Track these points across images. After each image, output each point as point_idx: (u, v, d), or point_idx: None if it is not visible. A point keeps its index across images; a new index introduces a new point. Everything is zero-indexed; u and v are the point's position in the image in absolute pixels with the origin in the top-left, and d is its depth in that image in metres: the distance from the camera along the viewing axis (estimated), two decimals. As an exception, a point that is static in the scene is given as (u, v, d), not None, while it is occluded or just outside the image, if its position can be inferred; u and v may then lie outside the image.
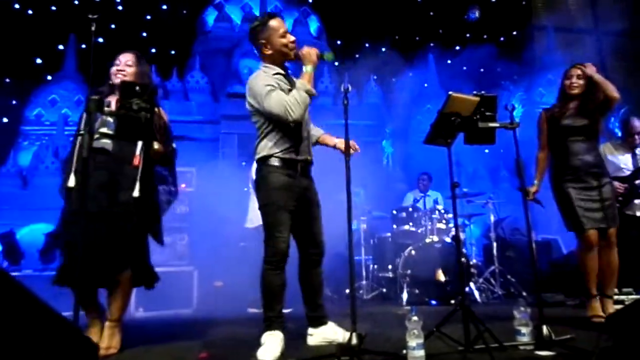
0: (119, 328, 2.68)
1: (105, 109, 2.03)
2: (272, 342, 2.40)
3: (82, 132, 1.96)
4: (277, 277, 2.50)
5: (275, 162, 2.52)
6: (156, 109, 2.29)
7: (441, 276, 4.86)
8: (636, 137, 4.15)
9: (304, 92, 2.45)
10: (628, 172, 4.11)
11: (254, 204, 5.04)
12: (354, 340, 2.04)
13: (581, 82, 3.32)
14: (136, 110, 2.07)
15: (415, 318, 2.14)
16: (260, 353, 2.33)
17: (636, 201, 4.07)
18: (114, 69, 2.67)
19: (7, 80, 8.02)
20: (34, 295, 1.29)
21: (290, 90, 2.52)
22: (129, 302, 2.78)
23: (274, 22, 2.58)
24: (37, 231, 6.35)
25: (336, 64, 8.78)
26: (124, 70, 2.64)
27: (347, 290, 5.40)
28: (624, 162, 4.17)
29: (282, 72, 2.62)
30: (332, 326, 2.72)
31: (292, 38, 2.62)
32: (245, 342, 2.82)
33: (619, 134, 4.44)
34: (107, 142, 2.29)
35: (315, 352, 2.40)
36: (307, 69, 2.52)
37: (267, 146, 2.53)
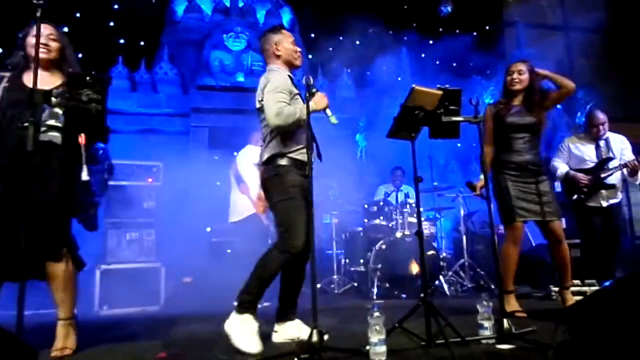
0: (73, 326, 2.56)
1: (53, 99, 1.92)
2: (248, 331, 2.46)
3: (26, 124, 1.85)
4: (280, 268, 2.59)
5: (288, 161, 2.64)
6: None
7: (415, 269, 4.87)
8: (600, 127, 4.25)
9: (303, 115, 2.51)
10: (592, 164, 4.20)
11: (236, 197, 4.97)
12: (315, 338, 2.01)
13: (522, 77, 3.36)
14: (86, 102, 1.96)
15: (377, 314, 2.12)
16: (241, 344, 2.42)
17: (602, 192, 4.16)
18: (33, 41, 2.40)
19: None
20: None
21: (297, 93, 2.74)
22: (75, 297, 2.60)
23: (286, 32, 2.86)
24: None
25: (310, 56, 8.71)
26: (48, 45, 2.46)
27: (318, 285, 5.38)
28: (588, 154, 4.26)
29: (291, 75, 2.82)
30: (298, 323, 2.69)
31: (299, 49, 2.86)
32: (207, 341, 2.76)
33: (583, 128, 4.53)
34: (55, 135, 2.18)
35: (276, 350, 2.35)
36: (312, 105, 2.56)
37: (279, 145, 2.64)
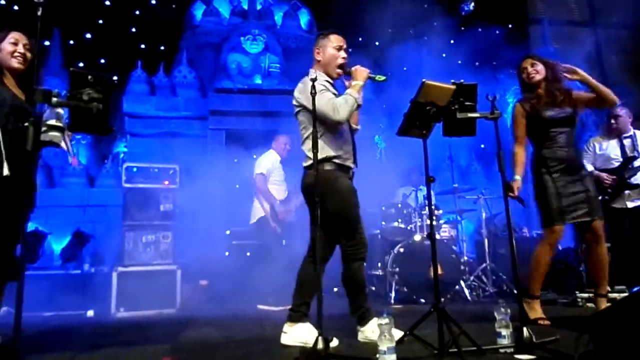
0: None
1: (54, 99, 1.90)
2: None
3: (26, 123, 1.83)
4: (364, 270, 2.70)
5: (333, 166, 2.64)
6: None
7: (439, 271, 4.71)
8: (612, 121, 4.08)
9: (352, 97, 2.60)
10: (617, 164, 4.00)
11: (255, 200, 5.03)
12: (320, 345, 1.92)
13: (538, 67, 3.19)
14: (87, 101, 1.94)
15: (386, 321, 2.02)
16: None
17: (626, 192, 3.95)
18: (9, 47, 2.43)
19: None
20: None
21: (334, 94, 2.70)
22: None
23: (334, 36, 2.81)
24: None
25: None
26: (24, 55, 2.44)
27: (335, 289, 5.28)
28: (614, 152, 4.06)
29: (329, 80, 2.79)
30: (373, 323, 2.59)
31: (344, 55, 2.79)
32: (216, 346, 2.71)
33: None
34: (55, 135, 2.16)
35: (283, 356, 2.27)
36: (357, 82, 2.67)
37: (322, 150, 2.57)
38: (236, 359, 2.28)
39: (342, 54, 2.78)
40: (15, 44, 2.44)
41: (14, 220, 2.26)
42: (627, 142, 4.06)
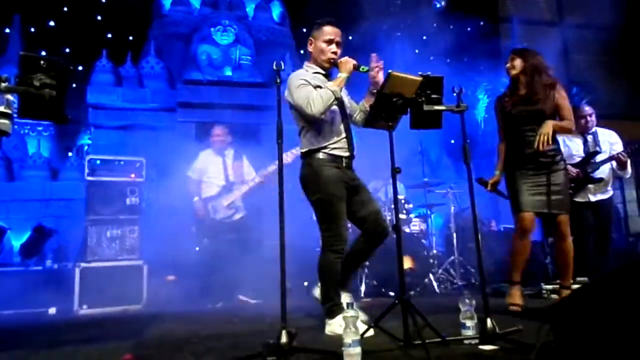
0: None
1: (2, 84, 1.79)
2: (336, 325, 2.53)
3: (-28, 110, 1.73)
4: (339, 265, 2.64)
5: (322, 156, 2.66)
6: None
7: (407, 264, 4.75)
8: (587, 119, 4.18)
9: (329, 91, 2.57)
10: (579, 159, 4.11)
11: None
12: (283, 339, 1.88)
13: (515, 62, 3.25)
14: (38, 87, 1.84)
15: (352, 313, 2.00)
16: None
17: (589, 186, 4.08)
18: None
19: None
20: None
21: (318, 85, 2.68)
22: None
23: (327, 28, 2.76)
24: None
25: (301, 52, 8.57)
26: None
27: (305, 283, 5.25)
28: (576, 148, 4.19)
29: (321, 72, 2.78)
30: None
31: (334, 49, 2.75)
32: (179, 340, 2.65)
33: None
34: (4, 123, 2.05)
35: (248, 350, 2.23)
36: (341, 74, 2.65)
37: (311, 141, 2.69)
38: (200, 354, 2.22)
39: (333, 47, 2.74)
40: None
41: None
42: (589, 137, 4.20)
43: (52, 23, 8.06)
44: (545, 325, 1.80)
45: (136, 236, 4.91)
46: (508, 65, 3.29)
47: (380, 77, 2.63)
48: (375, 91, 2.55)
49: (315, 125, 2.68)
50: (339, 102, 2.72)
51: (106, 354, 2.42)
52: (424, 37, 9.69)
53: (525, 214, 3.12)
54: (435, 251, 5.43)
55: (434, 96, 2.31)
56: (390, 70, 2.15)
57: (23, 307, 4.56)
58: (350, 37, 9.11)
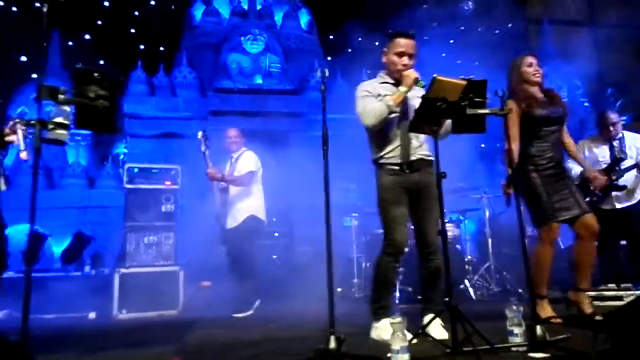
0: None
1: (60, 96, 1.86)
2: (382, 330, 2.57)
3: (32, 121, 1.80)
4: (393, 269, 2.73)
5: (381, 164, 2.78)
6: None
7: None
8: (611, 128, 4.08)
9: (384, 105, 2.64)
10: (605, 165, 4.02)
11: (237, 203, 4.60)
12: (332, 344, 1.89)
13: (541, 70, 3.19)
14: (93, 99, 1.90)
15: (398, 319, 1.99)
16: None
17: (614, 193, 3.98)
18: None
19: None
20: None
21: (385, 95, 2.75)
22: None
23: (399, 40, 2.79)
24: (21, 232, 6.21)
25: (328, 58, 8.63)
26: None
27: (339, 289, 5.25)
28: (602, 155, 4.11)
29: (390, 82, 2.83)
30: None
31: (405, 62, 2.75)
32: (222, 346, 2.68)
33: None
34: (62, 133, 2.13)
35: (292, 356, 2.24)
36: (401, 88, 2.69)
37: (374, 150, 2.82)
38: (246, 359, 2.24)
39: (404, 60, 2.75)
40: None
41: None
42: (615, 143, 4.09)
43: (87, 36, 8.34)
44: (601, 334, 1.75)
45: (172, 242, 5.00)
46: (538, 70, 3.17)
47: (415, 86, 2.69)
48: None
49: (372, 135, 2.80)
50: (403, 110, 2.73)
51: (153, 357, 2.46)
52: (452, 41, 9.62)
53: (554, 225, 3.01)
54: (469, 257, 5.35)
55: (477, 100, 2.29)
56: (435, 75, 2.14)
57: (64, 311, 4.69)
58: (377, 43, 9.13)
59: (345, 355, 1.94)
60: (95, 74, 1.98)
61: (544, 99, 3.18)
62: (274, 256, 5.95)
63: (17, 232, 6.18)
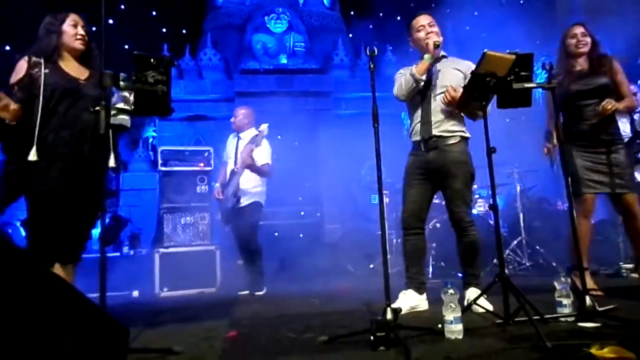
0: None
1: (122, 83, 1.93)
2: (402, 299, 2.76)
3: (98, 107, 1.87)
4: (408, 243, 2.91)
5: (411, 142, 2.95)
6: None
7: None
8: (633, 97, 3.99)
9: (409, 75, 2.76)
10: (626, 139, 3.95)
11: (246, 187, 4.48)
12: (389, 315, 1.96)
13: (587, 39, 3.13)
14: (152, 84, 1.97)
15: (451, 291, 2.06)
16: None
17: (637, 166, 3.97)
18: (71, 30, 2.49)
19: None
20: (60, 279, 1.22)
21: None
22: None
23: (416, 19, 2.95)
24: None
25: (350, 35, 8.53)
26: (84, 36, 2.52)
27: (371, 265, 5.34)
28: (623, 128, 4.00)
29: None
30: (471, 291, 2.76)
31: (428, 30, 2.87)
32: (272, 320, 2.78)
33: None
34: (124, 118, 2.21)
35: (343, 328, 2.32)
36: (425, 56, 2.79)
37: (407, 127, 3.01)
38: (300, 332, 2.34)
39: (426, 30, 2.86)
40: (75, 25, 2.51)
41: (83, 204, 2.37)
42: (636, 116, 4.02)
43: (110, 21, 8.38)
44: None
45: (207, 222, 5.13)
46: (582, 40, 3.12)
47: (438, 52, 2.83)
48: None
49: (408, 112, 2.97)
50: (426, 85, 2.77)
51: (209, 331, 2.57)
52: (475, 13, 9.42)
53: (588, 197, 3.04)
54: (501, 232, 5.36)
55: (523, 74, 2.29)
56: (485, 50, 2.14)
57: (108, 290, 4.87)
58: (399, 18, 9.00)
59: (401, 327, 2.01)
60: (152, 60, 2.03)
61: (585, 70, 3.13)
62: (276, 233, 6.02)
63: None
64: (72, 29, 2.49)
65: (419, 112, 2.87)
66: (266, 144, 4.58)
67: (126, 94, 2.17)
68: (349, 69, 7.46)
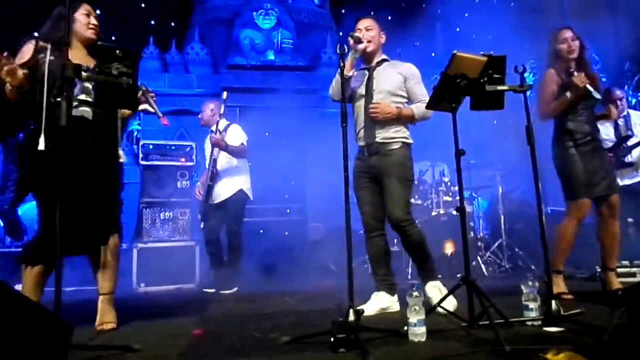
0: (113, 302, 2.60)
1: (84, 74, 1.89)
2: (373, 300, 2.78)
3: (59, 99, 1.83)
4: (372, 246, 2.88)
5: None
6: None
7: (449, 249, 4.76)
8: (617, 103, 4.02)
9: (337, 74, 2.74)
10: (610, 144, 3.99)
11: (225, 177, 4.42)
12: (351, 317, 1.94)
13: (576, 43, 3.14)
14: (116, 76, 1.93)
15: (416, 294, 2.04)
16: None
17: (621, 171, 4.01)
18: (84, 18, 2.49)
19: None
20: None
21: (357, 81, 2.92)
22: (118, 272, 2.66)
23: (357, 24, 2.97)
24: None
25: (340, 33, 8.49)
26: (97, 26, 2.52)
27: (354, 264, 5.31)
28: (605, 132, 4.04)
29: (364, 66, 2.97)
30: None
31: (363, 33, 2.88)
32: (242, 318, 2.76)
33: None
34: (86, 110, 2.17)
35: (312, 328, 2.30)
36: (350, 57, 2.79)
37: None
38: (266, 331, 2.31)
39: (357, 33, 2.86)
40: (88, 15, 2.52)
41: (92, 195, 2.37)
42: (620, 121, 4.05)
43: (97, 12, 8.27)
44: (617, 309, 1.78)
45: (187, 218, 5.10)
46: (572, 45, 3.12)
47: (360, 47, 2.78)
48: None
49: (352, 116, 2.93)
50: (366, 91, 2.84)
51: (176, 328, 2.54)
52: (466, 14, 9.42)
53: (586, 201, 3.04)
54: (481, 234, 5.38)
55: (496, 76, 2.27)
56: (455, 51, 2.12)
57: (82, 284, 4.80)
58: (389, 17, 8.96)
59: (363, 328, 1.99)
60: (117, 51, 1.99)
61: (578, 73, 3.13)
62: (261, 230, 5.99)
63: (34, 208, 6.31)
64: (85, 18, 2.50)
65: (362, 117, 2.87)
66: (238, 127, 4.54)
67: (87, 85, 2.13)
68: (337, 67, 7.39)
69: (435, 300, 2.53)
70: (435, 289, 2.74)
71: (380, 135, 2.81)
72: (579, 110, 3.11)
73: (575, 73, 3.03)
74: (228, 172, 4.38)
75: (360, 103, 2.88)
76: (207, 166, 4.46)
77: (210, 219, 4.38)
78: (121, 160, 2.44)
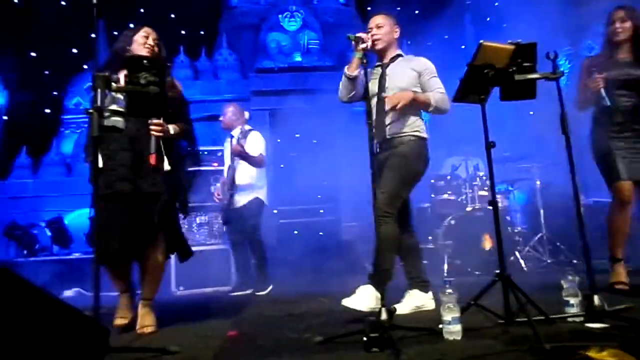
0: (152, 307, 2.68)
1: (113, 85, 1.95)
2: (407, 299, 2.73)
3: (90, 110, 1.90)
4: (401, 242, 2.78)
5: None
6: (169, 79, 2.28)
7: (488, 244, 4.64)
8: None
9: (343, 76, 2.78)
10: None
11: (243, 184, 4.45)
12: (384, 316, 1.92)
13: (625, 25, 2.95)
14: (144, 85, 1.98)
15: (449, 291, 2.00)
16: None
17: None
18: (141, 40, 2.61)
19: (47, 72, 8.22)
20: (34, 286, 1.23)
21: (373, 77, 2.87)
22: (161, 281, 2.75)
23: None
24: (83, 216, 6.58)
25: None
26: (153, 47, 2.63)
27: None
28: None
29: (378, 63, 2.94)
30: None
31: (373, 31, 2.85)
32: (276, 320, 2.78)
33: None
34: (117, 120, 2.24)
35: (346, 328, 2.29)
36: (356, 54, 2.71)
37: None
38: (300, 331, 2.32)
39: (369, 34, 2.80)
40: (147, 37, 2.64)
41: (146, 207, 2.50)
42: None
43: (131, 25, 8.55)
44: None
45: (221, 222, 5.18)
46: (618, 27, 2.96)
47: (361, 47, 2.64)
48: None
49: None
50: (379, 88, 2.79)
51: (211, 330, 2.59)
52: (496, 4, 9.17)
53: (624, 184, 2.89)
54: (519, 228, 5.22)
55: (526, 64, 2.20)
56: (481, 41, 2.07)
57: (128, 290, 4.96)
58: (416, 12, 8.84)
59: (396, 327, 1.96)
60: (145, 61, 2.05)
61: (627, 59, 2.99)
62: (295, 232, 6.00)
63: (81, 217, 6.59)
64: (143, 39, 2.63)
65: (374, 115, 2.78)
66: (258, 135, 4.52)
67: (118, 95, 2.20)
68: (362, 66, 7.36)
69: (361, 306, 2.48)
70: (370, 296, 2.55)
71: (390, 130, 2.77)
72: (617, 99, 2.93)
73: (596, 74, 2.87)
74: (246, 180, 4.44)
75: (374, 101, 2.84)
76: (225, 170, 4.59)
77: (231, 224, 4.50)
78: (166, 168, 2.52)
